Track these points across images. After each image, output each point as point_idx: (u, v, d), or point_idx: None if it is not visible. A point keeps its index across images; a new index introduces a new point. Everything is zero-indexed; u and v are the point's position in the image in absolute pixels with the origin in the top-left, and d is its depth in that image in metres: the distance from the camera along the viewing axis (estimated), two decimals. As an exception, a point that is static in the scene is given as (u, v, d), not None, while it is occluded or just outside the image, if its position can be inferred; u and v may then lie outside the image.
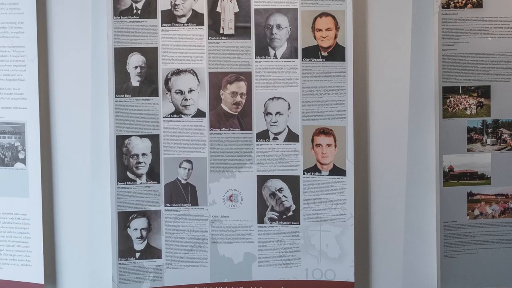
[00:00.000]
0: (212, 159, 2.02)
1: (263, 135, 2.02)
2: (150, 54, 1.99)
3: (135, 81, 1.99)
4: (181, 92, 2.01)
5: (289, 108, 2.00)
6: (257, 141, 2.02)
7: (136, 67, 1.99)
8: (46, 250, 2.02)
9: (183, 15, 1.99)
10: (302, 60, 1.99)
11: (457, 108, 2.00)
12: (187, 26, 1.99)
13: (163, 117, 2.00)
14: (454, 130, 2.00)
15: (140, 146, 2.00)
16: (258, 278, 2.00)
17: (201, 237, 2.02)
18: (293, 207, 2.02)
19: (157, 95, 2.00)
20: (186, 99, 2.00)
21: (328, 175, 2.00)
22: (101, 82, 2.01)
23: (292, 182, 2.01)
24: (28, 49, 1.99)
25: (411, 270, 2.04)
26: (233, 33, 1.99)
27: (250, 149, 2.02)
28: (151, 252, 2.02)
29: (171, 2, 1.98)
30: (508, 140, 1.97)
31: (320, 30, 1.98)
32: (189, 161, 2.02)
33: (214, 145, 2.02)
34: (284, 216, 2.03)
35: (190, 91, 2.01)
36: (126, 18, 1.97)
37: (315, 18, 1.97)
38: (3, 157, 1.99)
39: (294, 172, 2.01)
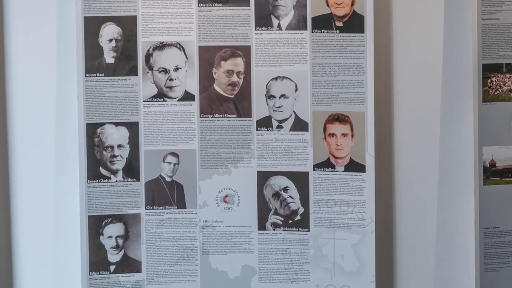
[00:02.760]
0: (203, 151, 1.99)
1: (264, 123, 1.98)
2: (128, 25, 1.96)
3: (109, 57, 1.96)
4: (166, 71, 1.98)
5: (296, 90, 1.97)
6: (257, 130, 1.98)
7: (110, 40, 1.96)
8: (2, 262, 2.02)
9: (168, -23, 1.98)
10: (312, 32, 1.95)
11: (500, 90, 1.97)
12: (172, -10, 1.96)
13: (144, 101, 1.98)
14: (496, 117, 1.97)
15: (116, 136, 1.97)
16: (258, 296, 1.98)
17: (190, 247, 1.99)
18: (301, 210, 1.98)
19: (136, 74, 1.97)
20: (171, 79, 1.97)
21: (344, 171, 1.96)
22: (68, 59, 1.98)
23: (300, 179, 1.98)
24: (-20, 19, 1.96)
25: (444, 286, 2.02)
26: (229, -2, 1.96)
27: (249, 139, 1.98)
28: (128, 265, 1.99)
29: (152, -40, 1.97)
30: (562, 129, 1.96)
31: (333, -5, 1.94)
32: (174, 154, 1.99)
33: (205, 134, 1.99)
34: (290, 221, 1.99)
35: (176, 69, 1.98)
36: (98, -20, 1.96)
37: (328, -19, 1.96)
38: (-51, 149, 1.98)
39: (302, 167, 1.98)
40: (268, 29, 1.96)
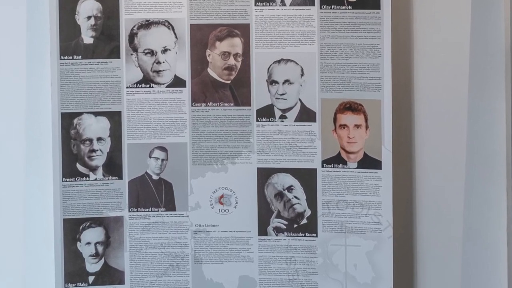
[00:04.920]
0: (195, 145, 1.98)
1: (266, 113, 1.97)
2: (109, 0, 1.96)
3: (87, 37, 1.95)
4: (152, 53, 1.96)
5: (302, 75, 1.95)
6: (257, 120, 1.97)
7: (89, 18, 1.95)
8: (-35, 273, 2.01)
9: None
10: (321, 8, 1.93)
11: (536, 74, 1.95)
12: (159, -41, 1.98)
13: (127, 87, 1.97)
14: (532, 105, 1.95)
15: (95, 127, 1.96)
16: (259, 312, 2.01)
17: (180, 255, 1.98)
18: (308, 212, 1.97)
19: (118, 56, 1.96)
20: (158, 62, 1.96)
21: (357, 168, 1.95)
22: (40, 39, 1.98)
23: (307, 177, 1.97)
24: None
25: (473, 300, 2.01)
26: (224, -31, 1.98)
27: (248, 131, 1.97)
28: (110, 275, 1.98)
29: None
30: None
31: (345, -35, 1.95)
32: (162, 149, 1.97)
33: (197, 126, 1.97)
34: (295, 225, 1.98)
35: (165, 51, 1.96)
36: None
37: None
38: None
39: (309, 163, 1.96)
40: (270, 5, 1.94)
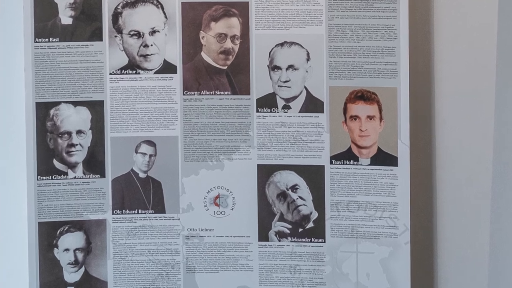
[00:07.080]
0: (187, 139, 1.96)
1: (267, 102, 1.95)
2: None
3: (66, 17, 1.93)
4: (139, 35, 1.95)
5: (308, 60, 1.92)
6: (257, 111, 1.95)
7: None
8: None
9: None
10: None
11: None
12: None
13: (110, 74, 1.95)
14: None
15: (74, 119, 1.95)
16: (259, 327, 2.00)
17: (170, 263, 1.96)
18: (315, 215, 1.94)
19: (100, 39, 1.95)
20: (146, 46, 1.95)
21: (370, 164, 1.92)
22: (13, 19, 1.97)
23: (313, 175, 1.94)
24: None
25: (500, 314, 1.95)
26: None
27: (247, 123, 1.95)
28: (91, 286, 1.96)
29: None
30: None
31: None
32: (151, 143, 1.96)
33: (190, 117, 1.96)
34: (300, 229, 1.95)
35: (153, 32, 1.94)
36: None
37: None
38: None
39: (316, 160, 1.94)
40: (271, -20, 1.95)
